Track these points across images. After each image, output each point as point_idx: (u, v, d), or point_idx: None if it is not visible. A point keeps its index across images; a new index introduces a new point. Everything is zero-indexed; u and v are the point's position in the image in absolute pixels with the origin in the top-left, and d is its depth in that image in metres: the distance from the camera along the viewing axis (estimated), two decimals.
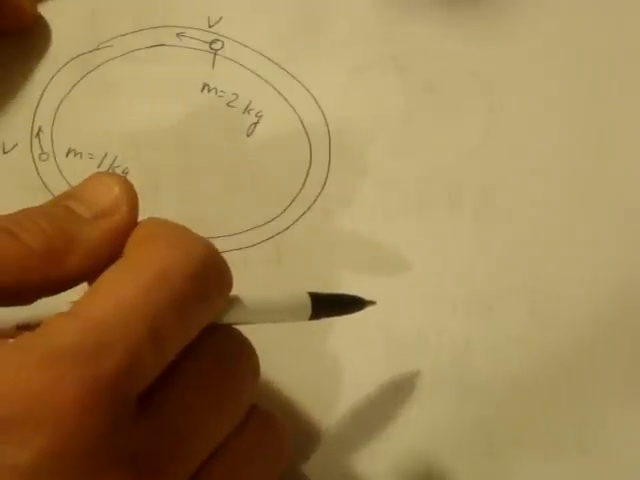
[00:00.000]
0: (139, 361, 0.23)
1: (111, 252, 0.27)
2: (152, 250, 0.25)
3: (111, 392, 0.22)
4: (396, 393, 0.35)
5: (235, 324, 0.27)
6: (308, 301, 0.28)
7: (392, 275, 0.37)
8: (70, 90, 0.39)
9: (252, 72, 0.40)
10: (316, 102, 0.39)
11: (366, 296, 0.31)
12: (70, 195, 0.28)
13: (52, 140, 0.39)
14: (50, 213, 0.27)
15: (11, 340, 0.23)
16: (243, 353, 0.27)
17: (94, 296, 0.24)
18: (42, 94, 0.39)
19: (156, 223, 0.27)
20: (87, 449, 0.22)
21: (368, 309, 0.31)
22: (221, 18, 0.40)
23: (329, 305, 0.30)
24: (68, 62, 0.40)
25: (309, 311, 0.28)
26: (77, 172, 0.37)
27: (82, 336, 0.22)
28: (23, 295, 0.26)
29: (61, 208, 0.27)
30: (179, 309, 0.24)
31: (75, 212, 0.27)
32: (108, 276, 0.24)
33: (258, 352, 0.28)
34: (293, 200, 0.38)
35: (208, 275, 0.25)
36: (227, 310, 0.26)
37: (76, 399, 0.22)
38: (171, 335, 0.24)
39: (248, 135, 0.39)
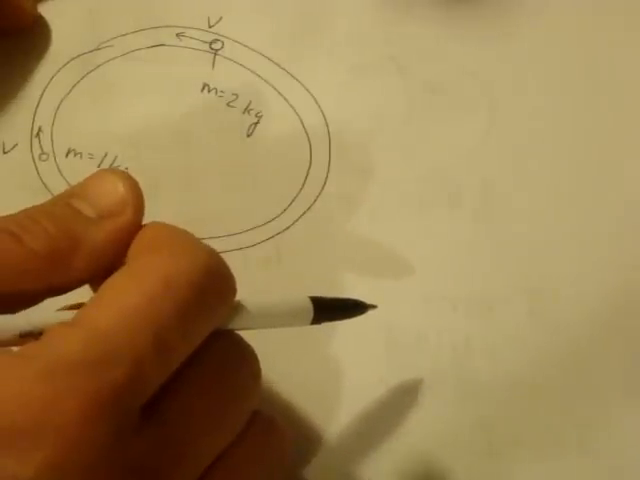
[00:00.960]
0: (143, 371, 0.23)
1: (115, 254, 0.26)
2: (156, 258, 0.25)
3: (114, 404, 0.22)
4: (396, 394, 0.35)
5: (237, 330, 0.27)
6: (310, 306, 0.28)
7: (392, 275, 0.37)
8: (70, 90, 0.39)
9: (252, 72, 0.40)
10: (316, 102, 0.39)
11: (366, 296, 0.31)
12: (74, 193, 0.27)
13: (52, 140, 0.38)
14: (53, 213, 0.26)
15: (14, 349, 0.23)
16: (245, 359, 0.27)
17: (98, 305, 0.24)
18: (42, 94, 0.39)
19: (160, 229, 0.27)
20: (89, 461, 0.21)
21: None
22: (221, 18, 0.40)
23: (331, 309, 0.29)
24: (68, 62, 0.39)
25: (311, 316, 0.28)
26: (77, 172, 0.36)
27: (86, 346, 0.22)
28: (26, 299, 0.26)
29: (65, 207, 0.27)
30: (183, 318, 0.24)
31: (79, 212, 0.27)
32: (111, 284, 0.24)
33: (259, 356, 0.28)
34: (293, 200, 0.38)
35: (212, 283, 0.25)
36: (231, 317, 0.26)
37: (78, 410, 0.21)
38: (175, 344, 0.24)
39: (248, 135, 0.39)
